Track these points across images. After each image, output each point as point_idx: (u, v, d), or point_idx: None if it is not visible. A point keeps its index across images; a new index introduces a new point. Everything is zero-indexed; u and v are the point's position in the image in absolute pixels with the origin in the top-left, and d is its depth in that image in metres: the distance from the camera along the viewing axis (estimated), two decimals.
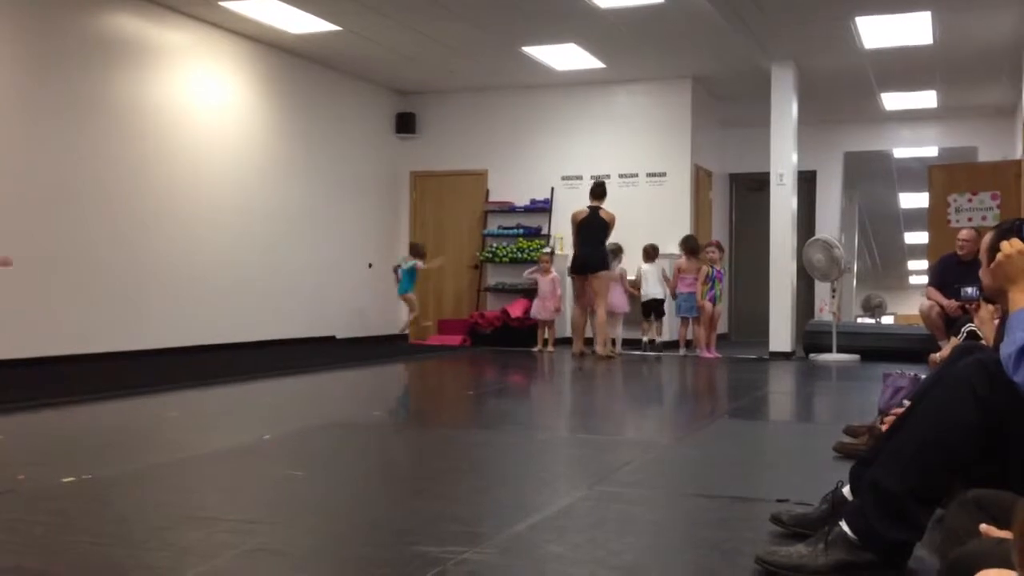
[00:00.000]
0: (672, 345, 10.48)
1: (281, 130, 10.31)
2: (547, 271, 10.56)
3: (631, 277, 10.51)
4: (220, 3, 8.60)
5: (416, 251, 11.38)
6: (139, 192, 8.50)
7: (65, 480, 3.38)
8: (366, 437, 4.69)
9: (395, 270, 11.45)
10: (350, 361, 8.69)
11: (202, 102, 9.23)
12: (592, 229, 9.76)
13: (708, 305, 9.98)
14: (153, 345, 8.51)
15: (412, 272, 11.24)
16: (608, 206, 10.08)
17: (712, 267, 10.04)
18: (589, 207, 9.86)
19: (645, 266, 10.42)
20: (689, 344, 10.13)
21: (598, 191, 9.95)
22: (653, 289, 10.36)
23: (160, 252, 8.70)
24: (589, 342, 9.96)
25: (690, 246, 10.18)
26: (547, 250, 11.07)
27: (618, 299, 10.24)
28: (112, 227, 8.22)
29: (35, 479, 3.46)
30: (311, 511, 3.08)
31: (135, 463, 3.82)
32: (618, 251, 10.30)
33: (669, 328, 10.68)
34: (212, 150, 9.35)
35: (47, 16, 7.68)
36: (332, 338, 11.02)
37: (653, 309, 10.43)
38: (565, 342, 10.68)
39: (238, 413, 5.65)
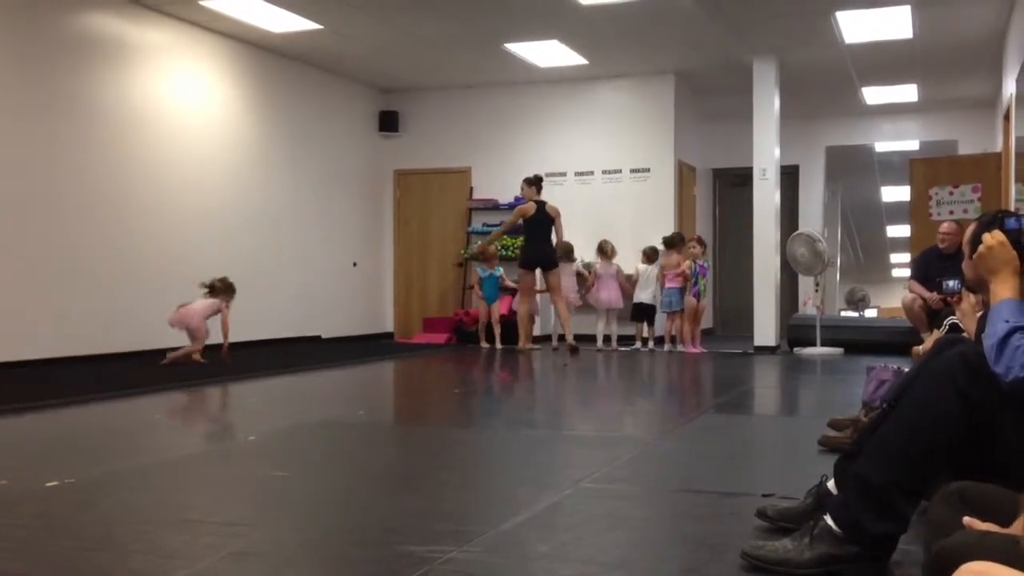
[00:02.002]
0: (657, 340, 10.48)
1: (264, 129, 10.26)
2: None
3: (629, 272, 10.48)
4: (201, 2, 8.55)
5: (487, 256, 10.80)
6: (121, 192, 8.45)
7: (48, 484, 3.36)
8: (352, 436, 4.68)
9: (479, 283, 10.79)
10: (335, 360, 8.66)
11: (184, 102, 9.17)
12: (543, 225, 9.89)
13: (692, 300, 9.99)
14: (136, 347, 8.46)
15: (493, 280, 10.70)
16: (594, 202, 10.11)
17: (695, 262, 10.05)
18: (535, 202, 9.93)
19: (643, 267, 10.35)
20: (674, 339, 10.14)
21: (540, 185, 10.06)
22: (647, 293, 10.27)
23: (142, 252, 8.65)
24: (541, 339, 10.26)
25: (672, 242, 10.19)
26: None
27: (613, 295, 10.23)
28: (93, 228, 8.17)
29: (18, 483, 3.44)
30: (296, 512, 3.07)
31: (119, 466, 3.80)
32: (607, 249, 10.31)
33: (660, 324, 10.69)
34: (194, 150, 9.30)
35: (27, 16, 7.62)
36: (317, 337, 10.99)
37: (645, 313, 10.33)
38: (542, 339, 10.70)
39: (222, 414, 5.63)
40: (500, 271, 10.79)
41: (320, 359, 8.68)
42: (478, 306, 10.86)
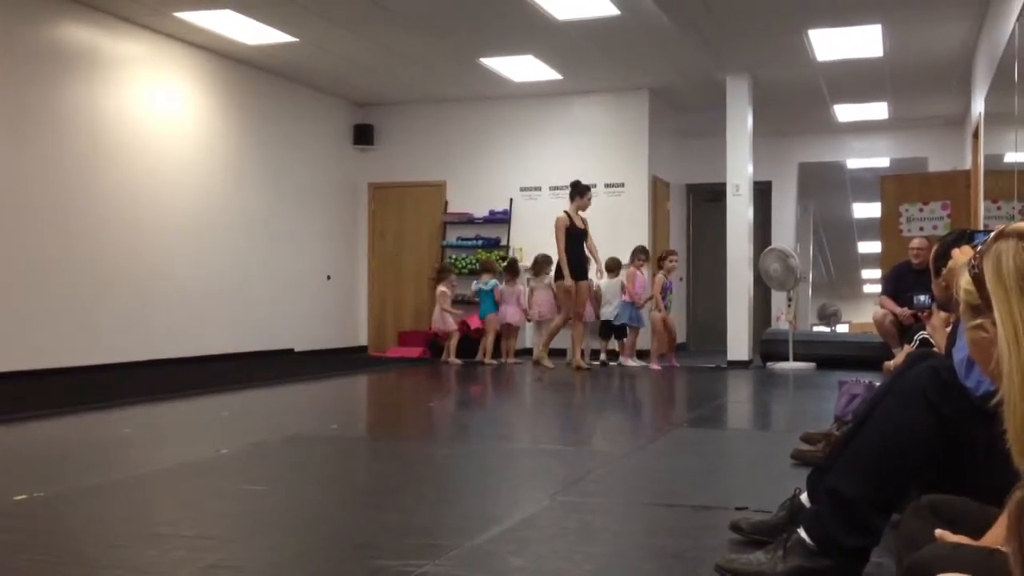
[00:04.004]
0: (640, 355, 10.42)
1: (238, 142, 10.22)
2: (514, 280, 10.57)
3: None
4: (175, 14, 8.51)
5: (490, 267, 10.77)
6: (93, 205, 8.37)
7: (17, 498, 3.31)
8: (325, 450, 4.66)
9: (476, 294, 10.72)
10: (309, 374, 8.62)
11: (157, 114, 9.12)
12: None
13: (657, 315, 9.83)
14: (107, 360, 8.38)
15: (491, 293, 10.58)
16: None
17: (666, 277, 9.90)
18: None
19: (605, 281, 10.16)
20: (642, 355, 10.04)
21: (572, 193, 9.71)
22: (611, 309, 10.09)
23: (115, 266, 8.58)
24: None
25: (641, 257, 10.10)
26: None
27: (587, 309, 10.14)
28: (65, 240, 8.09)
29: None
30: (269, 526, 3.05)
31: (89, 480, 3.76)
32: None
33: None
34: (167, 162, 9.24)
35: None
36: (290, 351, 10.93)
37: (614, 330, 10.20)
38: (524, 352, 10.69)
39: (194, 428, 5.58)
40: (493, 283, 10.66)
41: (293, 372, 8.62)
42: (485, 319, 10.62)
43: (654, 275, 10.12)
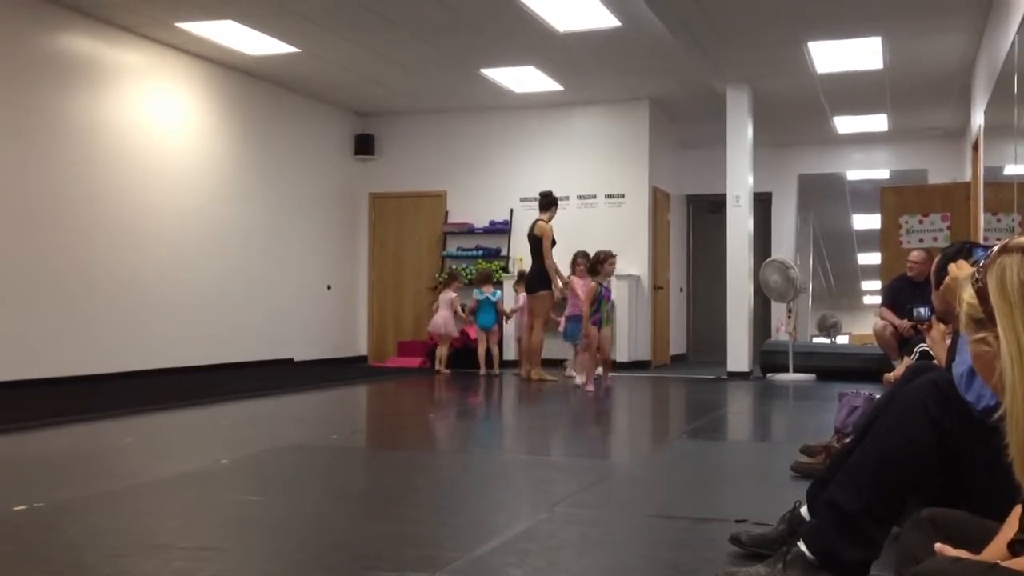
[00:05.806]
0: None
1: (239, 151, 10.23)
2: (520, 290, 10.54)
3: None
4: (176, 24, 8.54)
5: (488, 278, 10.62)
6: (94, 214, 8.38)
7: (16, 508, 3.31)
8: (325, 460, 4.65)
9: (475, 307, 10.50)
10: (308, 384, 8.61)
11: (159, 123, 9.14)
12: (531, 246, 9.57)
13: (593, 330, 8.56)
14: (107, 369, 8.38)
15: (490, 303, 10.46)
16: (568, 227, 9.94)
17: (601, 285, 8.63)
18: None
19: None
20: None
21: (540, 203, 9.71)
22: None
23: (115, 275, 8.58)
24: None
25: (581, 262, 9.25)
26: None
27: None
28: (65, 249, 8.09)
29: None
30: (268, 536, 3.05)
31: (89, 490, 3.75)
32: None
33: (633, 349, 10.67)
34: (169, 172, 9.25)
35: (1, 36, 7.58)
36: (290, 360, 10.92)
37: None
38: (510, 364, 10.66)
39: (194, 437, 5.58)
40: (498, 295, 10.61)
41: (293, 382, 8.62)
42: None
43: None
